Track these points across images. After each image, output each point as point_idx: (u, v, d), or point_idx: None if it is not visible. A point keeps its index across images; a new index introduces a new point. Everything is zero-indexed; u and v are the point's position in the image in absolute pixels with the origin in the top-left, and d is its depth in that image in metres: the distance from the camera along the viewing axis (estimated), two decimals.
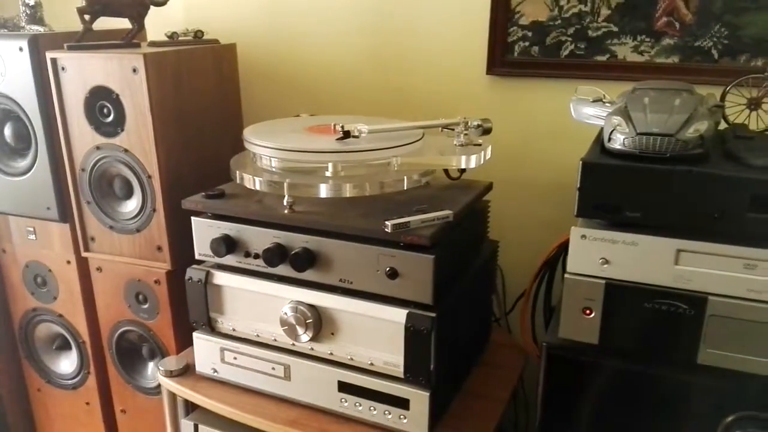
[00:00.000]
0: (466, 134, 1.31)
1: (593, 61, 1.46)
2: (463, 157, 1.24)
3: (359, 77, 1.69)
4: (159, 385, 1.54)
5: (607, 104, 1.05)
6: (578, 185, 0.95)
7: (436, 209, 1.17)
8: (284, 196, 1.21)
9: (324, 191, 1.20)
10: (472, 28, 1.54)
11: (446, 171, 1.35)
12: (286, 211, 1.21)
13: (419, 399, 1.18)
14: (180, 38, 1.52)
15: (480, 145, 1.29)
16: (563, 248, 1.40)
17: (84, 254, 1.55)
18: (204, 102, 1.52)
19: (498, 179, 1.41)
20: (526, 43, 1.50)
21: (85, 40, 1.46)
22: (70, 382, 1.73)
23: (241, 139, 1.67)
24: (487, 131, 1.33)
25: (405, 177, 1.23)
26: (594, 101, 1.07)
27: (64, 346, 1.73)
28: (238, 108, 1.65)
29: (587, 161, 0.93)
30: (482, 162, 1.26)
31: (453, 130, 1.32)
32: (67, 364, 1.74)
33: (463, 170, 1.33)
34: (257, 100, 1.80)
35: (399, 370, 1.18)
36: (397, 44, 1.63)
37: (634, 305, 0.95)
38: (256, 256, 1.25)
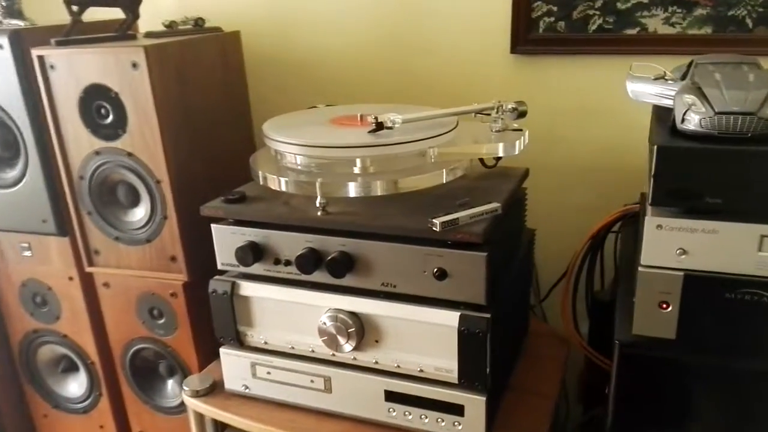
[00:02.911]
0: (501, 119, 1.23)
1: (623, 35, 1.38)
2: (507, 145, 1.16)
3: (373, 62, 1.59)
4: (181, 404, 1.46)
5: (670, 81, 0.97)
6: (653, 172, 0.87)
7: (479, 201, 1.09)
8: (316, 197, 1.12)
9: (360, 190, 1.11)
10: (494, 4, 1.45)
11: (481, 159, 1.27)
12: (319, 213, 1.12)
13: (475, 404, 1.10)
14: (179, 27, 1.40)
15: (521, 130, 1.21)
16: (604, 233, 1.34)
17: (88, 269, 1.43)
18: (211, 97, 1.40)
19: (526, 163, 1.33)
20: (552, 19, 1.41)
21: (74, 34, 1.33)
22: (80, 405, 1.62)
23: (251, 135, 1.58)
24: (522, 114, 1.24)
25: (444, 170, 1.15)
26: (656, 79, 0.99)
27: (71, 368, 1.61)
28: (245, 101, 1.54)
29: (663, 145, 0.85)
30: (522, 148, 1.19)
31: (488, 115, 1.24)
32: (75, 386, 1.62)
33: (499, 158, 1.25)
34: (264, 92, 1.69)
35: (452, 376, 1.10)
36: (414, 25, 1.53)
37: (715, 296, 0.88)
38: (287, 263, 1.16)
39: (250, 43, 1.61)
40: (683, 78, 0.98)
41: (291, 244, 1.14)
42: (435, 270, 1.06)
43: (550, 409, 1.22)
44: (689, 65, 0.99)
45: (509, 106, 1.23)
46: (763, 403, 0.90)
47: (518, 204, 1.27)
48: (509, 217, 1.18)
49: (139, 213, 1.36)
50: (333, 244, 1.12)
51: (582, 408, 1.46)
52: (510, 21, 1.43)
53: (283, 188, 1.16)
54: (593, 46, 1.40)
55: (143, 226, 1.35)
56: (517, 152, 1.17)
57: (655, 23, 1.36)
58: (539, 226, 1.45)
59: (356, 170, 1.15)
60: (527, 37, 1.44)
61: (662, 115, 1.00)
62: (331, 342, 1.16)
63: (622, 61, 1.40)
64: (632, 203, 1.33)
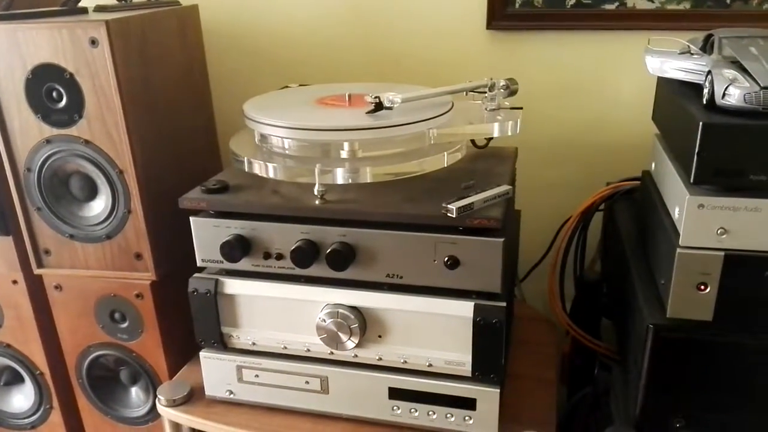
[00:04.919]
0: (494, 97, 1.18)
1: (601, 10, 1.35)
2: (510, 124, 1.11)
3: (340, 40, 1.49)
4: (148, 413, 1.35)
5: (696, 56, 0.94)
6: (697, 149, 0.84)
7: (484, 184, 1.04)
8: (308, 184, 1.04)
9: (360, 175, 1.03)
10: None
11: (472, 139, 1.22)
12: (317, 202, 1.03)
13: (488, 397, 1.05)
14: (134, 1, 1.26)
15: (519, 108, 1.16)
16: (591, 212, 1.32)
17: (37, 271, 1.27)
18: (172, 77, 1.27)
19: (503, 141, 1.28)
20: None
21: (15, 7, 1.18)
22: (27, 420, 1.45)
23: (212, 118, 1.46)
24: (513, 92, 1.19)
25: (445, 152, 1.09)
26: (681, 53, 0.96)
27: (15, 380, 1.44)
28: (205, 82, 1.41)
29: (709, 122, 0.82)
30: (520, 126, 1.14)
31: (480, 93, 1.19)
32: (21, 399, 1.45)
33: (490, 138, 1.20)
34: (221, 72, 1.56)
35: (465, 369, 1.05)
36: (384, 0, 1.45)
37: (755, 276, 0.87)
38: (279, 257, 1.07)
39: (205, 19, 1.48)
40: (704, 52, 0.95)
41: (284, 236, 1.05)
42: (446, 258, 1.00)
43: (553, 395, 1.19)
44: (706, 39, 0.96)
45: (501, 83, 1.19)
46: None
47: (513, 185, 1.23)
48: (511, 199, 1.14)
49: (98, 207, 1.22)
50: (332, 235, 1.03)
51: (566, 389, 1.44)
52: None
53: (272, 175, 1.06)
54: (571, 21, 1.37)
55: (102, 222, 1.21)
56: (518, 131, 1.12)
57: None
58: (518, 205, 1.42)
59: (351, 154, 1.07)
60: (504, 13, 1.39)
61: (682, 91, 0.97)
62: (331, 340, 1.08)
63: (600, 36, 1.38)
64: (618, 181, 1.31)
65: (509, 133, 1.12)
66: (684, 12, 1.33)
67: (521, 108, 1.16)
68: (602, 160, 1.44)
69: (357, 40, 1.49)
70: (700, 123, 0.82)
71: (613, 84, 1.40)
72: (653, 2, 1.33)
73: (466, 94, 1.20)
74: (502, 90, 1.18)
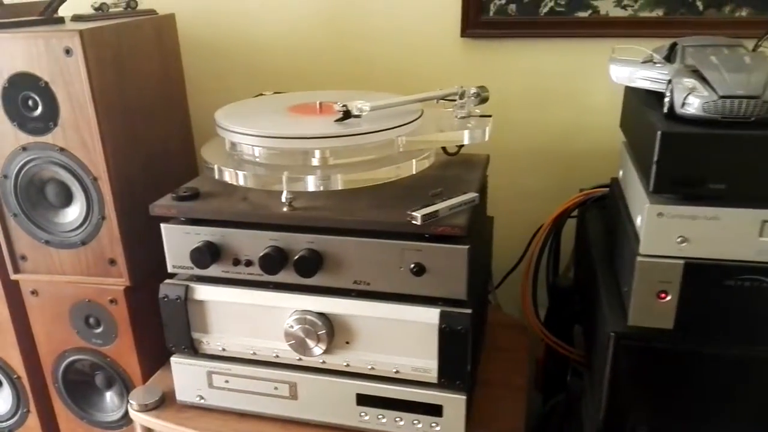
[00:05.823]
0: (464, 105, 1.19)
1: (574, 17, 1.36)
2: (478, 131, 1.12)
3: (316, 48, 1.50)
4: (122, 417, 1.36)
5: (658, 64, 0.95)
6: (656, 158, 0.84)
7: (452, 191, 1.05)
8: (277, 191, 1.05)
9: (328, 183, 1.04)
10: None
11: (443, 147, 1.23)
12: (285, 209, 1.04)
13: (455, 404, 1.06)
14: (111, 10, 1.27)
15: (489, 116, 1.17)
16: (565, 218, 1.33)
17: (13, 276, 1.29)
18: (148, 85, 1.28)
19: (476, 149, 1.29)
20: (503, 1, 1.37)
21: None
22: (4, 424, 1.46)
23: (189, 126, 1.47)
24: (484, 100, 1.21)
25: (414, 160, 1.10)
26: (644, 62, 0.97)
27: None
28: (182, 91, 1.42)
29: (667, 131, 0.83)
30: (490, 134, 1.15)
31: (451, 101, 1.20)
32: None
33: (461, 145, 1.21)
34: (198, 81, 1.57)
35: (431, 375, 1.05)
36: (358, 9, 1.46)
37: (715, 284, 0.87)
38: (248, 264, 1.07)
39: (182, 28, 1.49)
40: (668, 61, 0.96)
41: (252, 243, 1.06)
42: (412, 265, 1.01)
43: (523, 401, 1.20)
44: (671, 48, 0.97)
45: (472, 91, 1.20)
46: (762, 391, 0.90)
47: (484, 192, 1.24)
48: (481, 206, 1.14)
49: (73, 213, 1.23)
50: (300, 242, 1.04)
51: (541, 396, 1.45)
52: (460, 4, 1.39)
53: (242, 183, 1.07)
54: (545, 29, 1.38)
55: (77, 228, 1.23)
56: (487, 139, 1.13)
57: (607, 6, 1.34)
58: (491, 212, 1.43)
59: (320, 162, 1.08)
60: (478, 20, 1.40)
61: (647, 99, 0.98)
62: (299, 346, 1.09)
63: (574, 44, 1.39)
64: (590, 188, 1.32)
65: (479, 141, 1.13)
66: (657, 19, 1.34)
67: (491, 116, 1.17)
68: (576, 166, 1.45)
69: (332, 48, 1.50)
70: (658, 132, 0.83)
71: (587, 91, 1.41)
72: (626, 10, 1.34)
73: (437, 102, 1.21)
74: (472, 98, 1.20)
